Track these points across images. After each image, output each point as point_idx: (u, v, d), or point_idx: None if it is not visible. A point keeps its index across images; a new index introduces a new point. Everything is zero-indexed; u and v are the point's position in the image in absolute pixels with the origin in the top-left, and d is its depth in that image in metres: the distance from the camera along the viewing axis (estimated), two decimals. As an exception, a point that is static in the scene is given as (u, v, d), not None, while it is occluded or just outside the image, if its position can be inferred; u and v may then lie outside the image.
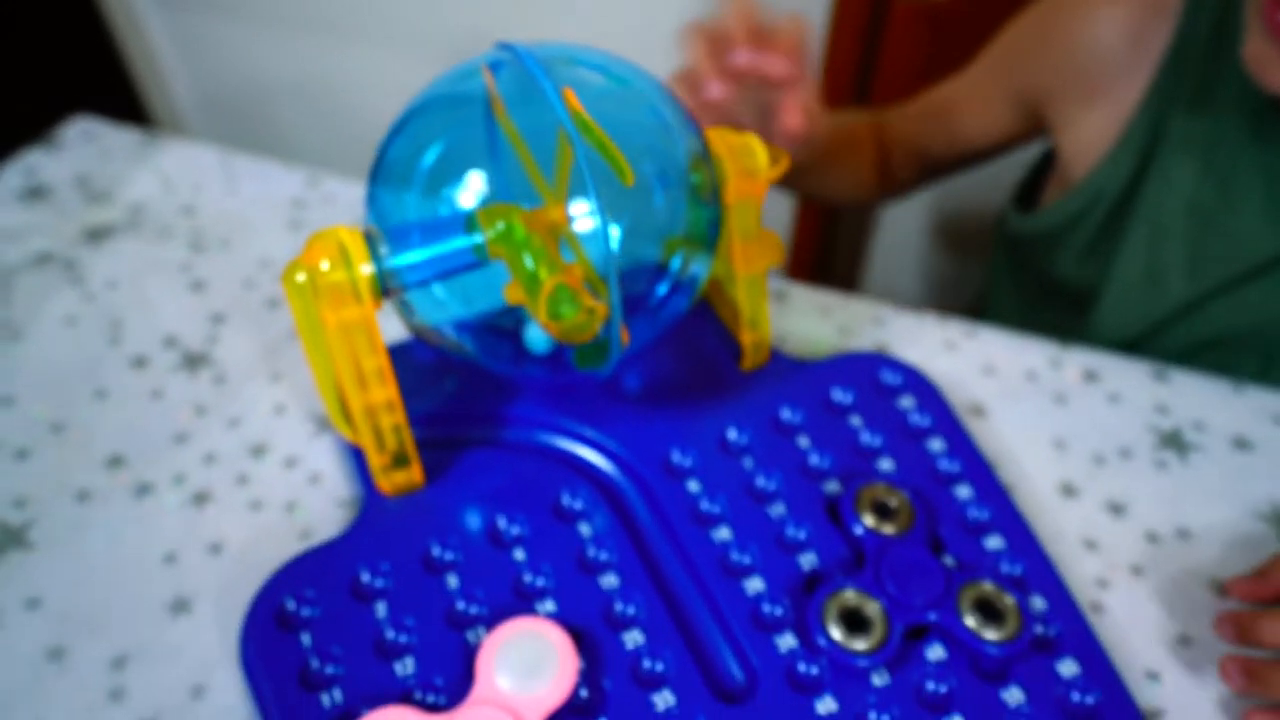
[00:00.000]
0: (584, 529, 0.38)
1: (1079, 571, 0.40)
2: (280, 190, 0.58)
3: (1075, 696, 0.34)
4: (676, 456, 0.41)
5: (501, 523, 0.38)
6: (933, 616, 0.35)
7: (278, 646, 0.34)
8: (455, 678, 0.34)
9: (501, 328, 0.39)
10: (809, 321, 0.51)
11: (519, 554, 0.37)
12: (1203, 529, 0.42)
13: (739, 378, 0.44)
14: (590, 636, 0.35)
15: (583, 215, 0.34)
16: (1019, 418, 0.46)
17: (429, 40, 0.98)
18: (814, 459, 0.41)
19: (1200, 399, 0.47)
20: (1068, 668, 0.35)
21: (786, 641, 0.35)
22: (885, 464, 0.41)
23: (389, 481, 0.39)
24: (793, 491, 0.40)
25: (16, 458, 0.44)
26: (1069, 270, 0.59)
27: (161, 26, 1.08)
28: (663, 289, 0.39)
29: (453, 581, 0.36)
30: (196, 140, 0.62)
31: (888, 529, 0.38)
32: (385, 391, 0.36)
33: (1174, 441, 0.45)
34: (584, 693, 0.34)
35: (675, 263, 0.38)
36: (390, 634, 0.35)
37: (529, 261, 0.33)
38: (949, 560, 0.38)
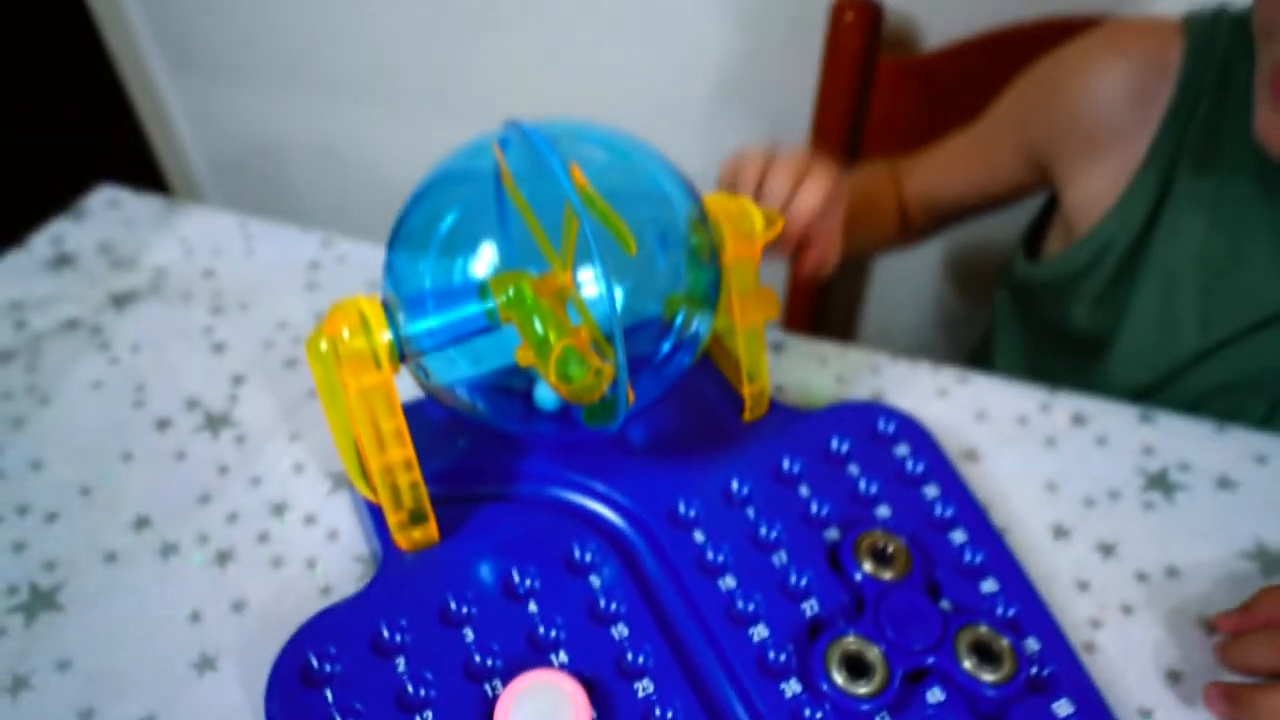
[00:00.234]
0: (595, 580, 0.40)
1: (1072, 612, 0.41)
2: (296, 253, 0.60)
3: (1071, 735, 0.36)
4: (682, 508, 0.42)
5: (515, 576, 0.40)
6: (931, 660, 0.36)
7: (303, 702, 0.36)
8: (474, 729, 0.35)
9: (512, 388, 0.41)
10: (806, 371, 0.52)
11: (533, 606, 0.39)
12: (1190, 567, 0.43)
13: (741, 428, 0.46)
14: (603, 686, 0.36)
15: (589, 281, 0.36)
16: (1011, 462, 0.48)
17: (436, 104, 1.01)
18: (814, 507, 0.43)
19: (1184, 440, 0.48)
20: (1063, 708, 0.36)
21: (791, 687, 0.36)
22: (883, 510, 0.43)
23: (406, 538, 0.40)
24: (794, 540, 0.41)
25: (47, 520, 0.45)
26: (1080, 318, 0.60)
27: (175, 91, 1.12)
28: (666, 346, 0.41)
29: (469, 635, 0.38)
30: (213, 205, 0.65)
31: (886, 574, 0.39)
32: (403, 451, 0.38)
33: (1160, 482, 0.47)
34: (598, 741, 0.35)
35: (678, 321, 0.40)
36: (411, 688, 0.36)
37: (538, 325, 0.35)
38: (945, 604, 0.39)
